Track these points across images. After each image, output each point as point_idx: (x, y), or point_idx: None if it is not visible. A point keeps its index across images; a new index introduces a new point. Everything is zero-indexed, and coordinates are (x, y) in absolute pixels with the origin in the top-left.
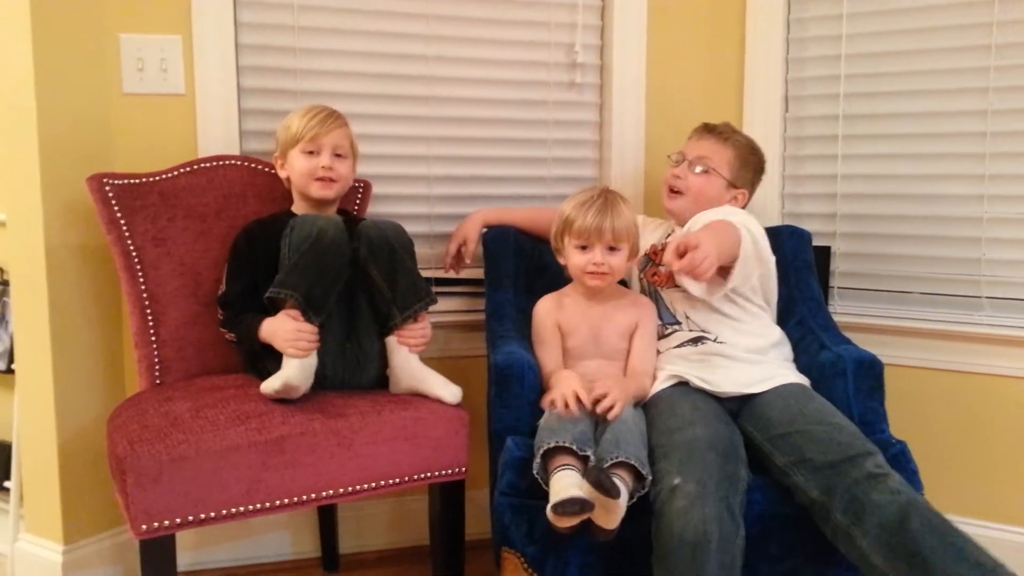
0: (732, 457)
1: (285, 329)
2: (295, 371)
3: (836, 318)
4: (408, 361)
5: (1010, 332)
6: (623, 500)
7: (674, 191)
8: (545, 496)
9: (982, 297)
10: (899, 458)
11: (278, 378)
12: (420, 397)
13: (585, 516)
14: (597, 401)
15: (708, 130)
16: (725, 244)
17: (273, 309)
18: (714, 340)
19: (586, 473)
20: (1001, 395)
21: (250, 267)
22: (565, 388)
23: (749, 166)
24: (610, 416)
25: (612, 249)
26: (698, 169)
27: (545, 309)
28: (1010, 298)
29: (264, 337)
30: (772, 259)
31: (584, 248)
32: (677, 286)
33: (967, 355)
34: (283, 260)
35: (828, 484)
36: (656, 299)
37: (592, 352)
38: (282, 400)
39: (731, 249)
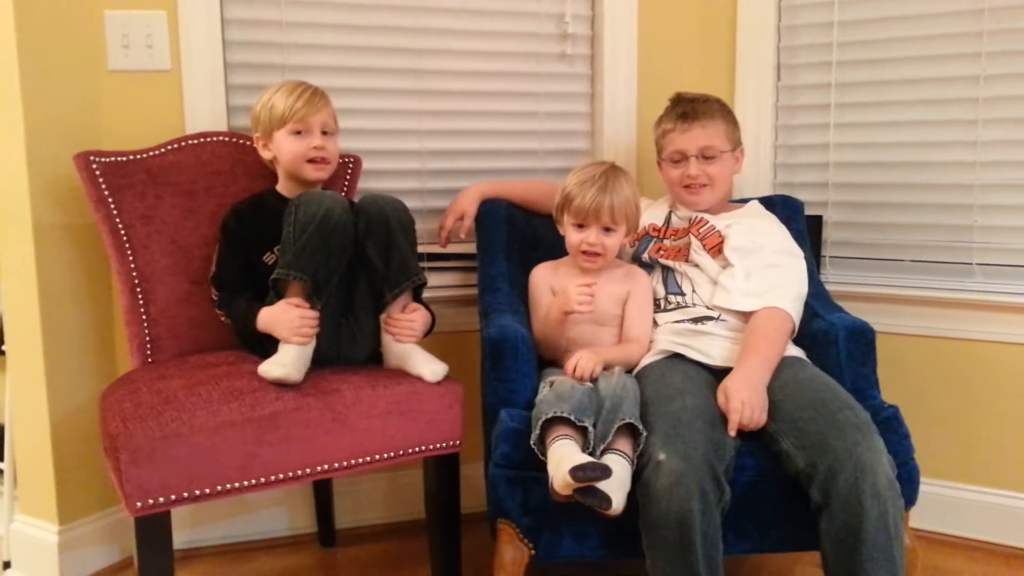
0: (720, 425)
1: (288, 318)
2: (293, 358)
3: (828, 287)
4: (391, 342)
5: (1001, 298)
6: (626, 474)
7: (694, 188)
8: (540, 467)
9: (973, 264)
10: (891, 422)
11: (277, 366)
12: None
13: (602, 481)
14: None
15: (689, 117)
16: (775, 353)
17: (276, 291)
18: (717, 319)
19: (580, 491)
20: (992, 360)
21: (241, 247)
22: (587, 362)
23: (733, 120)
24: (583, 376)
25: (608, 230)
26: (709, 160)
27: (540, 274)
28: (1001, 264)
29: (263, 327)
30: (804, 269)
31: (581, 226)
32: (687, 260)
33: (958, 321)
34: (286, 239)
35: (812, 459)
36: (664, 272)
37: (587, 318)
38: (278, 384)
39: (783, 346)
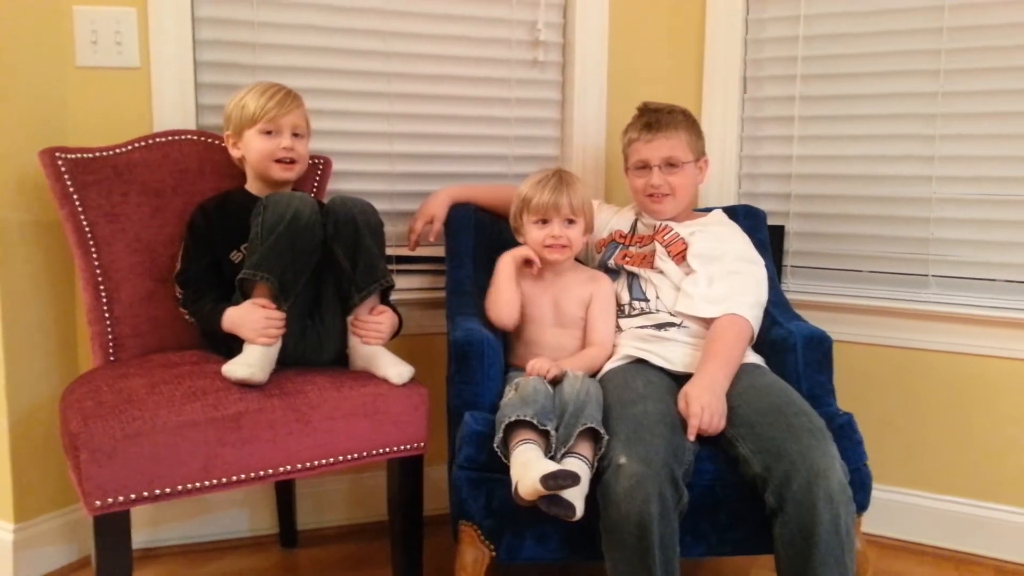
0: (680, 430)
1: (254, 319)
2: (256, 360)
3: (789, 296)
4: (358, 344)
5: (955, 309)
6: (585, 478)
7: (657, 197)
8: (503, 469)
9: (929, 276)
10: (845, 429)
11: (242, 366)
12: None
13: (573, 487)
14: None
15: (653, 127)
16: (735, 360)
17: (242, 291)
18: (679, 325)
19: (544, 499)
20: (945, 370)
21: (208, 245)
22: (542, 364)
23: (697, 131)
24: (542, 373)
25: (570, 221)
26: (672, 169)
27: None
28: (955, 276)
29: (228, 327)
30: (764, 276)
31: (544, 222)
32: (652, 267)
33: (914, 331)
34: (254, 239)
35: (767, 464)
36: (629, 278)
37: (551, 320)
38: (243, 385)
39: (742, 352)
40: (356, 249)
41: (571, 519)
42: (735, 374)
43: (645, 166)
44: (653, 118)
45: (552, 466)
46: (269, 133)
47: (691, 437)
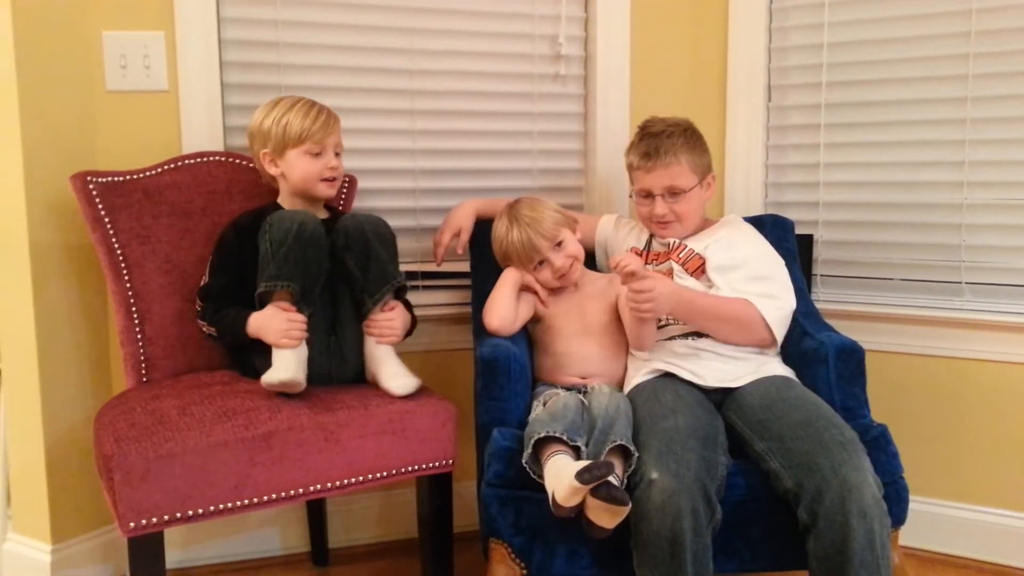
0: (712, 444)
1: (277, 321)
2: (292, 363)
3: (819, 305)
4: (371, 347)
5: (989, 317)
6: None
7: (662, 224)
8: (533, 486)
9: (962, 283)
10: (879, 441)
11: (278, 370)
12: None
13: (610, 476)
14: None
15: (652, 156)
16: (715, 314)
17: (261, 305)
18: (707, 336)
19: (595, 490)
20: (980, 379)
21: (236, 262)
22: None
23: (700, 149)
24: (624, 270)
25: (558, 245)
26: (675, 197)
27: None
28: (989, 283)
29: (252, 332)
30: (787, 274)
31: (540, 263)
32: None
33: (947, 340)
34: (265, 256)
35: (799, 479)
36: None
37: (578, 330)
38: (282, 394)
39: (725, 318)
40: (367, 258)
41: (626, 504)
42: (762, 384)
43: (648, 195)
44: (651, 146)
45: (583, 462)
46: (317, 155)
47: (614, 265)
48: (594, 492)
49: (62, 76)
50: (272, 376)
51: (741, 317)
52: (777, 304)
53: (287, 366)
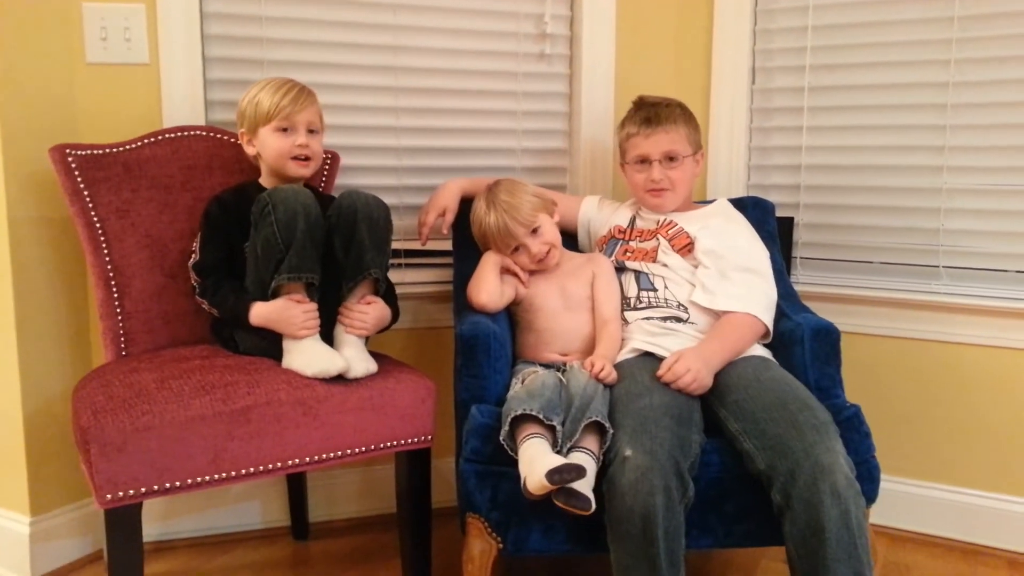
0: (686, 422)
1: (292, 314)
2: (323, 352)
3: (798, 287)
4: (339, 330)
5: (965, 300)
6: (591, 472)
7: (657, 192)
8: (510, 462)
9: (940, 267)
10: (852, 421)
11: (325, 361)
12: (388, 367)
13: (579, 480)
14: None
15: (652, 122)
16: (736, 349)
17: (274, 294)
18: (686, 320)
19: (557, 493)
20: (955, 361)
21: (225, 235)
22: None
23: (694, 124)
24: (608, 380)
25: (533, 232)
26: (672, 163)
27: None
28: (967, 267)
29: (259, 323)
30: (771, 270)
31: (516, 250)
32: (655, 261)
33: (924, 323)
34: (271, 241)
35: (772, 461)
36: (636, 271)
37: (561, 306)
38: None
39: (744, 346)
40: (350, 240)
41: (587, 512)
42: (739, 364)
43: (645, 160)
44: (652, 112)
45: (557, 460)
46: (284, 130)
47: (661, 375)
48: (555, 495)
49: (41, 48)
50: (326, 370)
51: (757, 333)
52: (767, 305)
53: (326, 356)
